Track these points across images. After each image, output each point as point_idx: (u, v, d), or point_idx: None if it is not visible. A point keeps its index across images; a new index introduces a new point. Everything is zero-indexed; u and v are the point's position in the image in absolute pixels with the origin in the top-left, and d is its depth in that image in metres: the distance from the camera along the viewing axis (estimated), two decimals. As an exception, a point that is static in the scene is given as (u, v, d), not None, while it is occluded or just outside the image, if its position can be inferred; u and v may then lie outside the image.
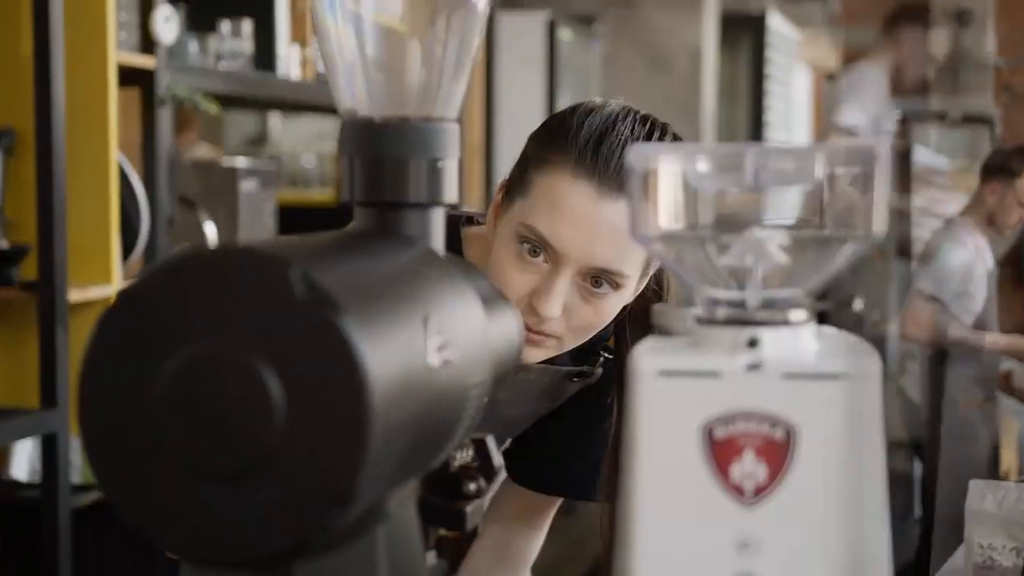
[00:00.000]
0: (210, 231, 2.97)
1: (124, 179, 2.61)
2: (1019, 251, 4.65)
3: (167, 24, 2.69)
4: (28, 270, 2.47)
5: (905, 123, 4.68)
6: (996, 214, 4.45)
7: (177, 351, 0.63)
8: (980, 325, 4.44)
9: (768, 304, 0.72)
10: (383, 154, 0.82)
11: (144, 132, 2.70)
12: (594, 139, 1.25)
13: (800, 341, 0.71)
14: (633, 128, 1.27)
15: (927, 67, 4.68)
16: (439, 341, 0.71)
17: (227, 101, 3.24)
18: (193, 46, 2.99)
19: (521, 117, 4.58)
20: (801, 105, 9.11)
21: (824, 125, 4.66)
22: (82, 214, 2.54)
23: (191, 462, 0.62)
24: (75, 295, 2.47)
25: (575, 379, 1.43)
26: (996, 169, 4.44)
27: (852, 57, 10.04)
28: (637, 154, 0.73)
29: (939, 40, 4.77)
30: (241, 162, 3.21)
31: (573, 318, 1.26)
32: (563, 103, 5.93)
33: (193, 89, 2.79)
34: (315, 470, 0.61)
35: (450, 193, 0.84)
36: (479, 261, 1.32)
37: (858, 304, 4.37)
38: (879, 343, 4.37)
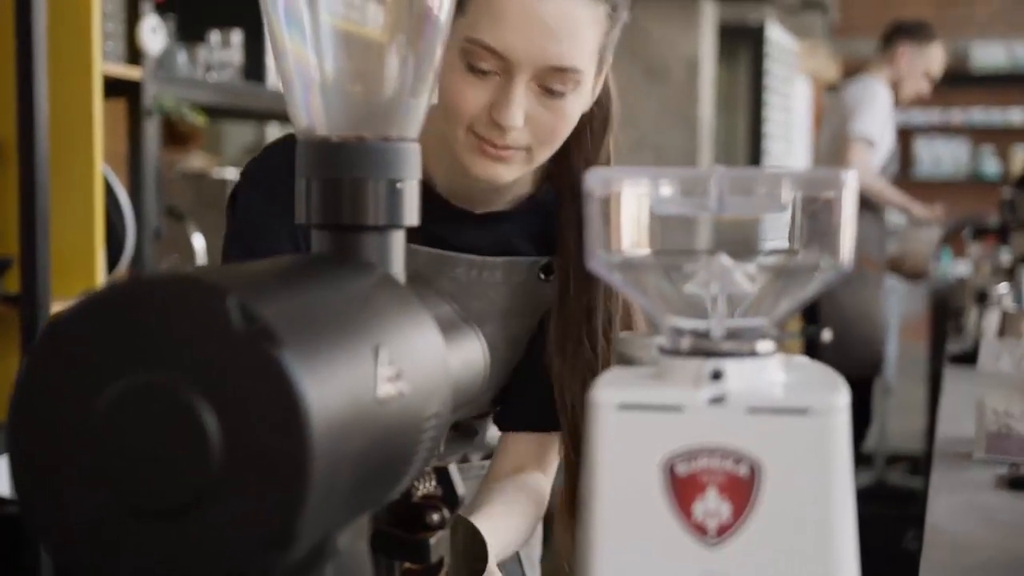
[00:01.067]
0: (198, 243, 2.95)
1: (110, 191, 2.59)
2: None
3: (154, 35, 2.66)
4: (11, 283, 2.44)
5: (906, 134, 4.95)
6: (903, 79, 4.67)
7: (111, 383, 0.60)
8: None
9: (734, 334, 0.70)
10: (340, 175, 0.79)
11: (130, 143, 2.68)
12: None
13: (766, 373, 0.69)
14: None
15: (924, 83, 4.69)
16: (390, 372, 0.68)
17: (217, 112, 3.21)
18: (182, 56, 2.96)
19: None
20: (801, 116, 9.10)
21: (831, 135, 4.67)
22: (66, 226, 2.51)
23: (124, 498, 0.60)
24: (58, 307, 2.44)
25: (543, 275, 1.39)
26: (912, 34, 4.57)
27: (852, 68, 10.04)
28: (596, 178, 0.70)
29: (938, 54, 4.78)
30: (232, 173, 3.18)
31: (536, 125, 1.24)
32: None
33: (180, 100, 2.76)
34: (253, 511, 0.58)
35: (410, 215, 0.81)
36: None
37: (827, 335, 4.40)
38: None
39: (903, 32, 4.66)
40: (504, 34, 1.20)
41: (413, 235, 1.33)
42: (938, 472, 1.73)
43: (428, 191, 1.35)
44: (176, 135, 3.71)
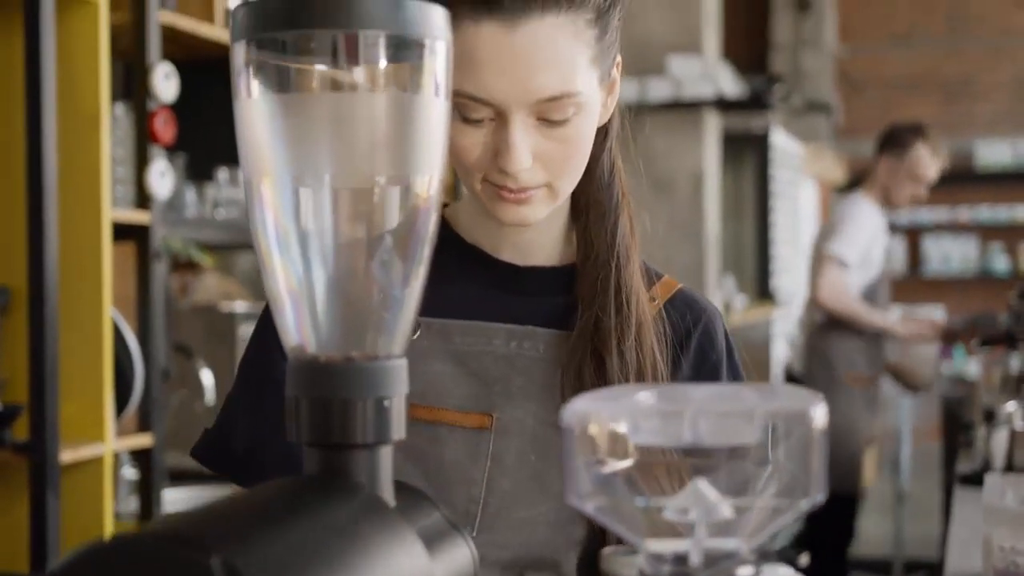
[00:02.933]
0: (207, 380, 2.97)
1: (118, 334, 2.61)
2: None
3: (162, 179, 2.71)
4: (20, 430, 2.46)
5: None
6: (890, 188, 4.62)
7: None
8: (870, 298, 4.57)
9: (712, 560, 0.71)
10: (329, 395, 0.81)
11: (139, 286, 2.71)
12: None
13: (746, 604, 0.70)
14: None
15: (912, 187, 4.65)
16: (376, 607, 0.69)
17: (225, 248, 3.25)
18: (190, 195, 3.01)
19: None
20: (808, 218, 9.14)
21: (813, 250, 4.72)
22: (76, 372, 2.53)
23: None
24: (67, 455, 2.45)
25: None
26: (888, 144, 4.60)
27: (858, 169, 10.12)
28: (573, 412, 0.72)
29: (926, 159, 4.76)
30: (240, 306, 3.21)
31: (547, 160, 1.17)
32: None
33: (188, 241, 2.80)
34: None
35: (398, 430, 0.83)
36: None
37: (804, 559, 4.45)
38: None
39: (881, 143, 4.72)
40: (483, 79, 1.13)
41: (450, 306, 1.30)
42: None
43: (470, 250, 1.31)
44: (187, 262, 3.75)
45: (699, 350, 1.30)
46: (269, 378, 1.27)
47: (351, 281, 0.83)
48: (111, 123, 2.64)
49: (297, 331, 0.83)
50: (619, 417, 0.72)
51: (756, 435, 0.70)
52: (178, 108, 2.82)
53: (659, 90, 5.51)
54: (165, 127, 2.71)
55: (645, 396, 0.75)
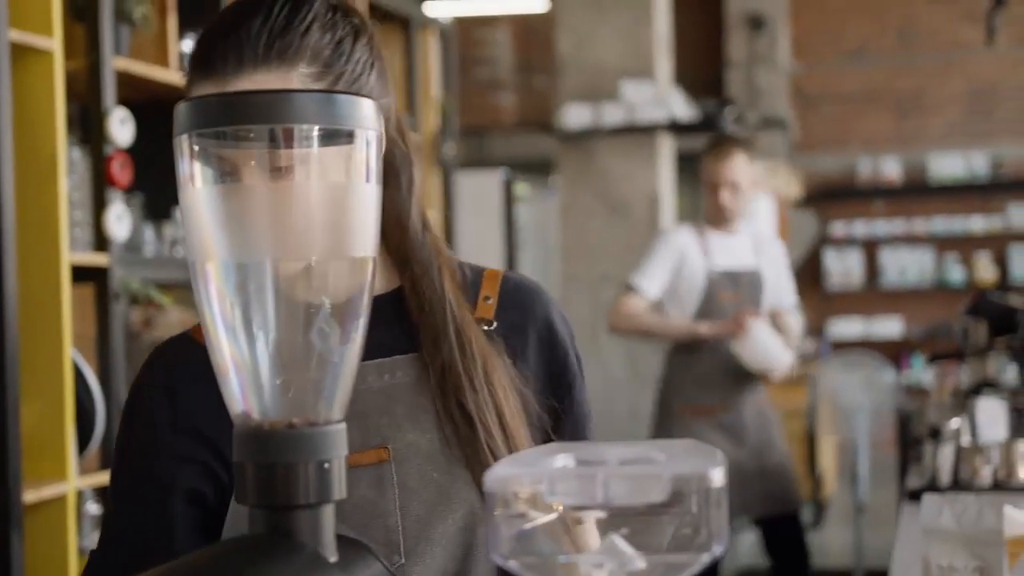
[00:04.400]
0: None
1: (79, 374, 2.66)
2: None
3: (119, 222, 2.76)
4: (-18, 471, 2.50)
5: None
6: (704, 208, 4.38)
7: None
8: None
9: (626, 611, 0.77)
10: (273, 459, 0.87)
11: (99, 326, 2.75)
12: (198, 41, 1.21)
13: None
14: (240, 7, 1.21)
15: (713, 197, 4.29)
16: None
17: (185, 285, 3.30)
18: (149, 234, 3.05)
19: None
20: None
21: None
22: (37, 412, 2.57)
23: None
24: (31, 495, 2.49)
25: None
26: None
27: (814, 183, 10.26)
28: (495, 477, 0.78)
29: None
30: (200, 340, 3.25)
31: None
32: (522, 254, 6.05)
33: (147, 282, 2.85)
34: None
35: (339, 490, 0.89)
36: None
37: None
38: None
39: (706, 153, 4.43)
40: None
41: None
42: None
43: None
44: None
45: (540, 336, 1.36)
46: (145, 478, 1.27)
47: (291, 351, 0.90)
48: (68, 167, 2.69)
49: (242, 399, 0.89)
50: (537, 480, 0.78)
51: (663, 495, 0.77)
52: (134, 148, 2.87)
53: (613, 115, 5.60)
54: (122, 171, 2.76)
55: (562, 459, 0.82)
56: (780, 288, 4.33)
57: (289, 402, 0.89)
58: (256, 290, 0.88)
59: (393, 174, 1.28)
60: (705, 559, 0.77)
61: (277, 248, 0.88)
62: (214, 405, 1.25)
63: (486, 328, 1.31)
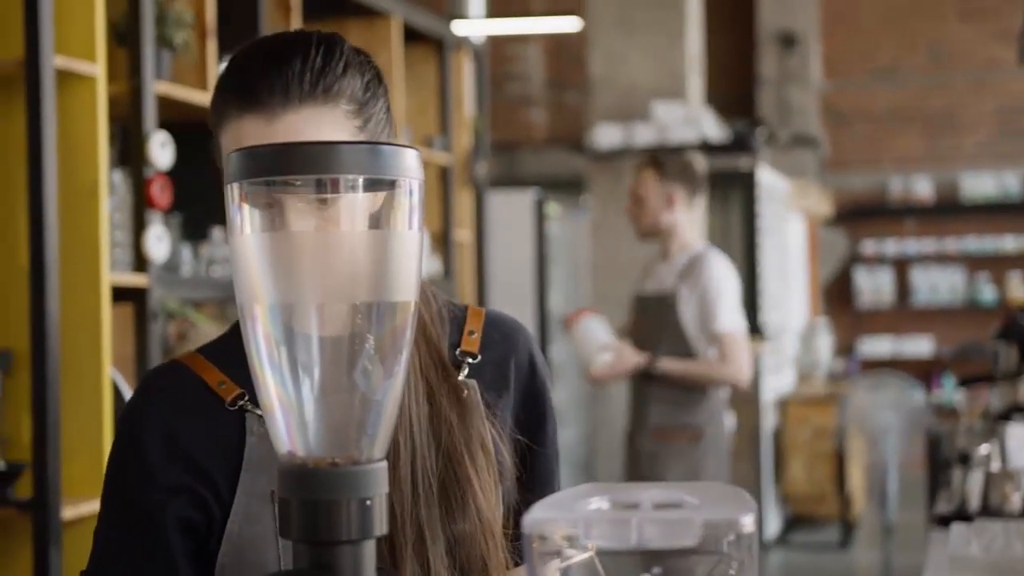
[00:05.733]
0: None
1: (117, 393, 2.70)
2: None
3: (159, 243, 2.80)
4: (23, 488, 2.55)
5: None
6: None
7: None
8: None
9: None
10: (317, 496, 0.90)
11: (137, 346, 2.80)
12: (239, 69, 1.23)
13: None
14: (274, 44, 1.24)
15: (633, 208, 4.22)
16: None
17: (220, 302, 3.34)
18: (187, 254, 3.10)
19: (512, 291, 4.68)
20: (796, 253, 9.24)
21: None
22: (76, 430, 2.62)
23: None
24: (69, 512, 2.54)
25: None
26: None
27: (845, 202, 10.25)
28: (532, 520, 0.81)
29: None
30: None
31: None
32: (554, 273, 6.08)
33: (184, 302, 2.89)
34: None
35: (380, 526, 0.92)
36: None
37: None
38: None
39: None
40: None
41: None
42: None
43: None
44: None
45: (521, 367, 1.38)
46: (138, 508, 1.28)
47: (335, 391, 0.93)
48: (109, 190, 2.74)
49: (288, 438, 0.93)
50: (573, 524, 0.81)
51: (695, 539, 0.80)
52: (173, 169, 2.91)
53: (644, 135, 5.62)
54: (162, 193, 2.81)
55: (596, 502, 0.85)
56: (706, 313, 4.08)
57: (332, 440, 0.92)
58: (301, 332, 0.92)
59: None
60: (736, 600, 0.79)
61: (322, 292, 0.91)
62: (205, 433, 1.28)
63: (471, 362, 1.33)
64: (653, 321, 4.15)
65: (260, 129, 1.21)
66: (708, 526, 0.79)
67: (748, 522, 0.78)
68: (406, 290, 0.93)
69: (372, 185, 0.91)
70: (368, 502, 0.91)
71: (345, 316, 0.92)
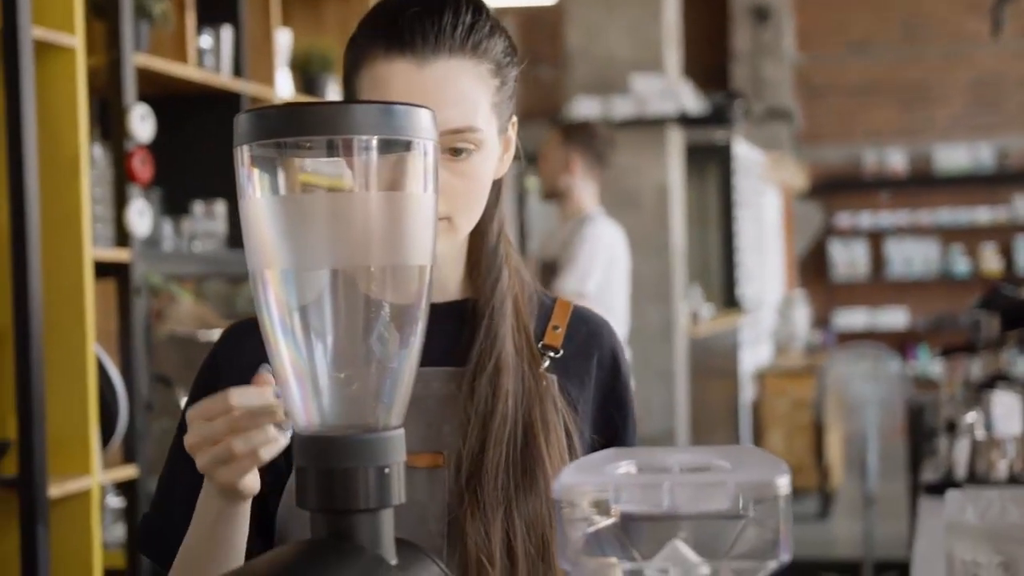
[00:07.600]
0: (187, 410, 3.02)
1: (101, 369, 2.67)
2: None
3: (140, 217, 2.77)
4: (8, 466, 2.52)
5: None
6: None
7: None
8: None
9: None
10: (333, 465, 0.88)
11: (121, 321, 2.77)
12: (389, 14, 1.24)
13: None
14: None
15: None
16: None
17: (202, 278, 3.31)
18: (168, 229, 3.07)
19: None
20: (772, 226, 9.26)
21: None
22: (61, 407, 2.59)
23: None
24: (55, 490, 2.51)
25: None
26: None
27: (820, 175, 10.27)
28: (561, 485, 0.79)
29: None
30: (216, 334, 3.27)
31: (449, 192, 1.21)
32: (532, 246, 6.07)
33: (167, 276, 2.86)
34: None
35: (398, 495, 0.90)
36: None
37: None
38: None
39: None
40: None
41: None
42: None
43: None
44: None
45: (603, 365, 1.37)
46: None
47: (350, 357, 0.91)
48: (89, 164, 2.70)
49: (303, 406, 0.91)
50: (604, 488, 0.79)
51: (728, 502, 0.78)
52: (153, 144, 2.88)
53: (623, 108, 5.60)
54: (143, 167, 2.77)
55: (624, 466, 0.83)
56: (567, 273, 4.08)
57: (349, 408, 0.91)
58: (314, 298, 0.90)
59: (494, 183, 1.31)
60: (771, 566, 0.78)
61: (335, 256, 0.89)
62: None
63: (552, 355, 1.32)
64: (545, 287, 4.10)
65: (410, 73, 1.22)
66: (742, 488, 0.77)
67: (784, 483, 0.77)
68: (421, 254, 0.91)
69: (386, 147, 0.88)
70: (386, 470, 0.89)
71: (358, 280, 0.90)
